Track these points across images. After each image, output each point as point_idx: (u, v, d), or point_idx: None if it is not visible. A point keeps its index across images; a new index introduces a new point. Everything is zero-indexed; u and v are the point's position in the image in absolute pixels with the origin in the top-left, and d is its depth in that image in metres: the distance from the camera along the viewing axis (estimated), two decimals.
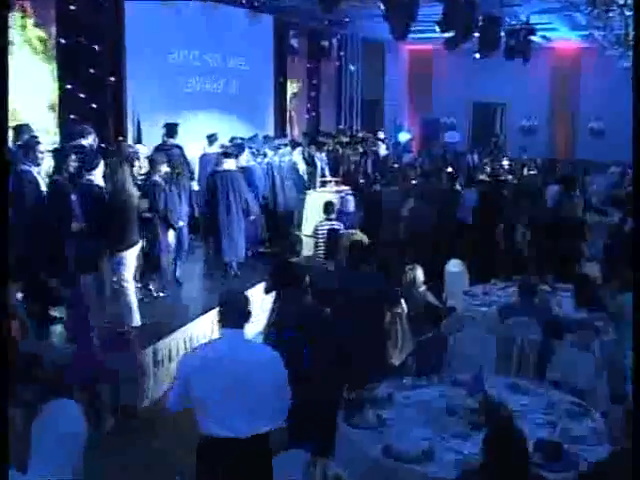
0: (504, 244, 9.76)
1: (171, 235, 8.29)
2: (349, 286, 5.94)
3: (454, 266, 8.35)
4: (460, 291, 7.79)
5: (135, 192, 6.90)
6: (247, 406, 3.63)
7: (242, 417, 3.63)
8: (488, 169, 13.80)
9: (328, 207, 9.03)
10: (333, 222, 8.86)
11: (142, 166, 8.44)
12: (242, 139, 11.05)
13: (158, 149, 9.18)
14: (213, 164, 9.38)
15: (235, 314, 3.74)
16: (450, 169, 13.13)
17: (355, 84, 18.31)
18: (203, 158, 10.52)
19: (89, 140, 7.71)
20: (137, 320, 6.92)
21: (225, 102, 13.25)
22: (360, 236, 7.85)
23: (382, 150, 14.45)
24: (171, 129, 9.78)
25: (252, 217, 9.33)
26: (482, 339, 6.01)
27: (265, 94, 14.85)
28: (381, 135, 15.17)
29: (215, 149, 10.44)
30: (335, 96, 17.86)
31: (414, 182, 11.60)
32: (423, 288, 6.90)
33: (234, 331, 3.75)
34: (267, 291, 6.38)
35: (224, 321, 3.80)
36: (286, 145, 11.79)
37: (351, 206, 9.66)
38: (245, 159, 10.30)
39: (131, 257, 6.93)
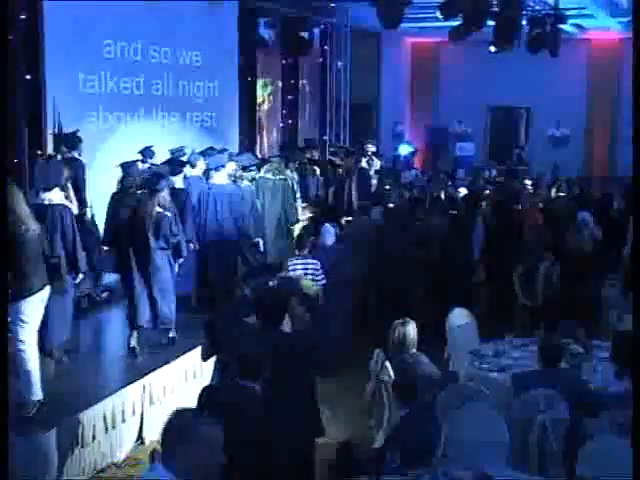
0: (524, 287, 9.54)
1: None
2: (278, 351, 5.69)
3: (459, 317, 8.13)
4: (466, 350, 7.58)
5: (34, 225, 6.49)
6: None
7: None
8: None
9: (301, 239, 9.11)
10: (307, 260, 8.83)
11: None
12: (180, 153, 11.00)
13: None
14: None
15: None
16: (463, 190, 13.09)
17: (343, 84, 18.41)
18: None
19: None
20: (38, 394, 6.55)
21: (175, 106, 13.25)
22: (308, 285, 7.75)
23: (374, 167, 14.39)
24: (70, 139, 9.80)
25: (181, 260, 8.75)
26: (490, 418, 5.28)
27: (228, 97, 14.76)
28: (371, 148, 15.02)
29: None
30: (318, 99, 17.98)
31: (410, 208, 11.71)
32: (415, 350, 6.65)
33: None
34: (204, 358, 6.30)
35: None
36: (257, 165, 11.85)
37: (329, 239, 9.66)
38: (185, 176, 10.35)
39: (31, 309, 6.46)
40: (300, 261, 8.82)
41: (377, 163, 14.70)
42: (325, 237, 9.67)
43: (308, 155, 14.49)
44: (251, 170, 11.48)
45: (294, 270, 8.75)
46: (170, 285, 8.39)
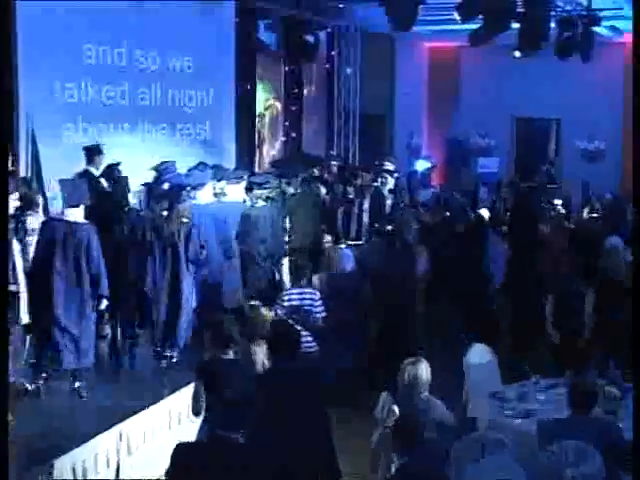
0: (554, 319, 9.38)
1: None
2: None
3: (478, 355, 8.01)
4: (486, 393, 7.48)
5: None
6: None
7: None
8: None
9: (298, 269, 9.25)
10: (304, 290, 8.82)
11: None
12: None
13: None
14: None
15: None
16: (485, 212, 12.90)
17: (352, 93, 18.34)
18: None
19: None
20: None
21: (163, 117, 13.23)
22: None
23: (388, 186, 14.02)
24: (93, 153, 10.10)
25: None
26: (512, 473, 5.32)
27: (224, 107, 14.68)
28: (388, 165, 14.60)
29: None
30: (324, 110, 17.99)
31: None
32: (428, 393, 6.51)
33: None
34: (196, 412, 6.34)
35: None
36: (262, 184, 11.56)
37: (348, 264, 9.84)
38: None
39: None
40: (296, 291, 8.84)
41: (390, 181, 14.37)
42: (343, 262, 9.79)
43: (315, 171, 14.40)
44: (265, 188, 11.30)
45: (289, 301, 8.72)
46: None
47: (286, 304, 8.67)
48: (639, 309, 6.39)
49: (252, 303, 9.47)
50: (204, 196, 10.51)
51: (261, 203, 10.97)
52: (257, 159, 15.67)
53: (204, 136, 14.01)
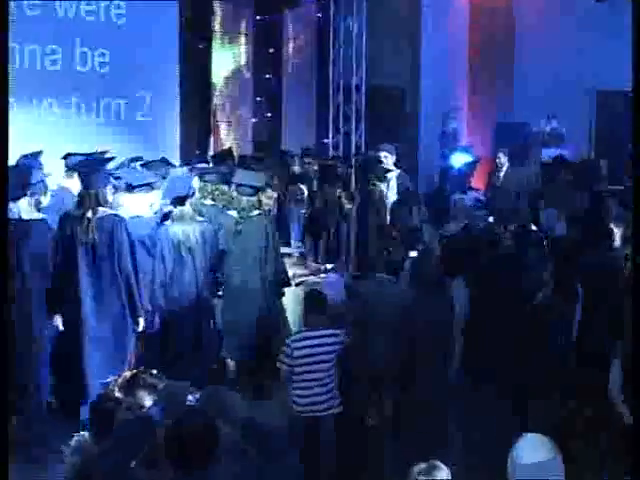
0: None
1: None
2: None
3: (533, 450, 6.72)
4: None
5: None
6: None
7: None
8: None
9: (315, 303, 9.41)
10: (326, 332, 9.18)
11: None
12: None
13: None
14: None
15: None
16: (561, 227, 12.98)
17: (356, 58, 18.27)
18: None
19: None
20: None
21: (76, 82, 14.47)
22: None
23: (392, 189, 14.21)
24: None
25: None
26: None
27: (163, 74, 15.03)
28: (385, 156, 14.55)
29: None
30: (314, 82, 18.19)
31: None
32: None
33: None
34: None
35: None
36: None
37: (337, 295, 10.06)
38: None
39: None
40: (315, 334, 9.07)
41: (393, 183, 14.47)
42: (329, 294, 9.82)
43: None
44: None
45: (303, 356, 9.02)
46: None
47: (300, 360, 8.98)
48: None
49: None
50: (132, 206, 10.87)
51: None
52: (212, 149, 15.88)
53: (135, 114, 14.53)
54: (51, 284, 9.96)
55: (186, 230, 10.88)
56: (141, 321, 9.81)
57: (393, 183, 14.52)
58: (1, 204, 7.45)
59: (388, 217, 14.12)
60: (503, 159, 17.28)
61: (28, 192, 10.50)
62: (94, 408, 7.24)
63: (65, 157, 11.94)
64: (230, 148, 16.27)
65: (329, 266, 12.54)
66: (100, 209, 9.59)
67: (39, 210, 10.19)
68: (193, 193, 10.96)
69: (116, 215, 9.75)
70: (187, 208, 11.07)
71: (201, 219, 11.07)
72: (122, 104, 14.36)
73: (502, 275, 11.13)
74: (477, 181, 18.58)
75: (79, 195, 10.06)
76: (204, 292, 11.07)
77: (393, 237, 13.06)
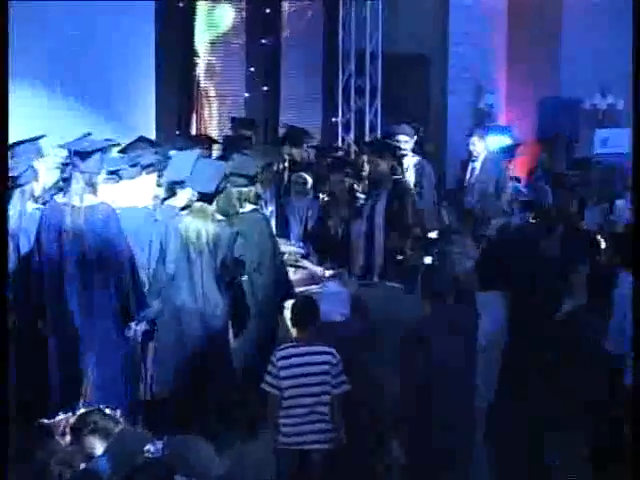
0: None
1: None
2: None
3: None
4: None
5: None
6: None
7: None
8: None
9: (304, 312, 9.58)
10: (312, 349, 9.28)
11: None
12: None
13: None
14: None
15: None
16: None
17: (370, 21, 18.90)
18: None
19: None
20: None
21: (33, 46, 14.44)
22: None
23: (410, 177, 14.34)
24: None
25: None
26: None
27: (138, 39, 15.74)
28: (404, 139, 14.60)
29: None
30: (320, 48, 18.94)
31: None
32: None
33: None
34: None
35: None
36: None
37: (336, 311, 10.45)
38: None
39: None
40: (297, 351, 9.24)
41: (410, 168, 14.60)
42: (329, 308, 10.11)
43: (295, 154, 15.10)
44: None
45: (290, 377, 9.11)
46: None
47: (285, 382, 9.09)
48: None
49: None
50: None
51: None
52: (194, 129, 16.11)
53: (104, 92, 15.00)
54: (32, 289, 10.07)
55: (198, 228, 10.96)
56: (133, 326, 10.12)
57: (411, 173, 14.51)
58: (1, 204, 8.16)
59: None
60: (479, 144, 16.49)
61: (15, 184, 10.57)
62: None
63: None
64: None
65: (327, 273, 12.55)
66: (89, 196, 9.80)
67: (36, 200, 10.49)
68: (224, 188, 11.00)
69: (108, 205, 9.93)
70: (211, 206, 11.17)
71: (220, 218, 11.04)
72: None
73: (546, 288, 10.95)
74: (518, 169, 18.58)
75: (64, 179, 10.35)
76: (209, 309, 10.98)
77: (414, 238, 13.37)
